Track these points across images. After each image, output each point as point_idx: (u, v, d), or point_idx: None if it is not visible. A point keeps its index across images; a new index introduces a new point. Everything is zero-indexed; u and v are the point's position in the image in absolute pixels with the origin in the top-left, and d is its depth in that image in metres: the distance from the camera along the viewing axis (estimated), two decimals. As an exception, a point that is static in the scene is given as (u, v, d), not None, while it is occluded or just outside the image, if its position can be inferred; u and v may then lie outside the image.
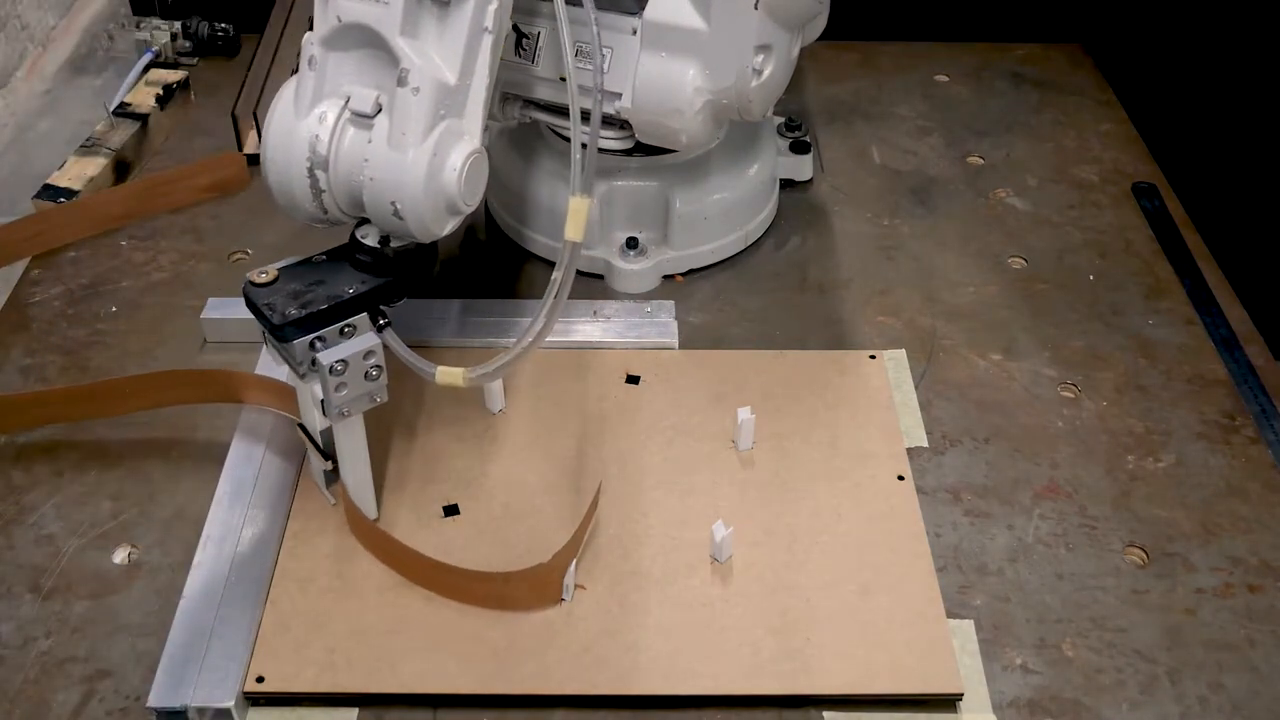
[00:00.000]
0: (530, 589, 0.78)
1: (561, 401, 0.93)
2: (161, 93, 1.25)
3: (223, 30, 1.35)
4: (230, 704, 0.72)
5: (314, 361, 0.74)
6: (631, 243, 1.04)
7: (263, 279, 0.75)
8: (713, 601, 0.79)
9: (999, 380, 0.97)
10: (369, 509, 0.83)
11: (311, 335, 0.73)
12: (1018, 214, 1.16)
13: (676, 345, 0.98)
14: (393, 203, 0.73)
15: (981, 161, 1.23)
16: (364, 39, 0.74)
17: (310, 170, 0.75)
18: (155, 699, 0.72)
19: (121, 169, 1.16)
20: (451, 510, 0.84)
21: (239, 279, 1.04)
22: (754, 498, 0.86)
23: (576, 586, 0.79)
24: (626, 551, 0.82)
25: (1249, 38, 1.17)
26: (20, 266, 1.06)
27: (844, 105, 1.31)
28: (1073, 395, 0.96)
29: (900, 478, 0.87)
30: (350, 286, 0.75)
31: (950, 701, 0.74)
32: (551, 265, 1.06)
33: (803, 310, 1.03)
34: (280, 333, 0.73)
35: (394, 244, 0.76)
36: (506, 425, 0.91)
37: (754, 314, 1.03)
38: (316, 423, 0.79)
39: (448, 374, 0.76)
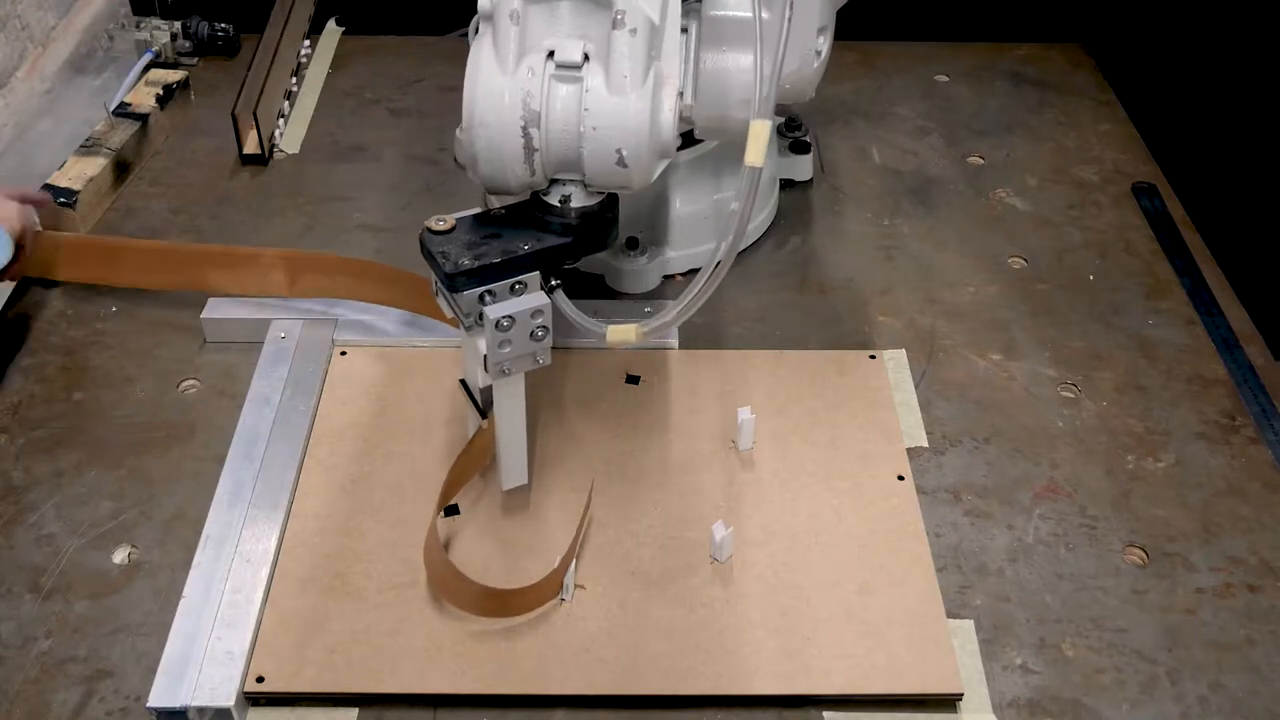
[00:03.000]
0: (534, 593, 0.78)
1: (561, 401, 0.92)
2: (161, 93, 1.25)
3: (223, 30, 1.35)
4: (230, 704, 0.72)
5: (481, 315, 0.73)
6: (631, 243, 1.04)
7: (440, 227, 0.74)
8: (713, 601, 0.79)
9: (999, 380, 0.97)
10: (520, 473, 0.82)
11: (482, 288, 0.73)
12: (1018, 214, 1.15)
13: (676, 345, 0.98)
14: (618, 150, 0.73)
15: (981, 161, 1.23)
16: None
17: (524, 129, 0.73)
18: (155, 699, 0.72)
19: (121, 169, 1.16)
20: (451, 510, 0.84)
21: (239, 279, 1.05)
22: (754, 498, 0.85)
23: (576, 586, 0.79)
24: (626, 551, 0.82)
25: (1249, 38, 1.17)
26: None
27: (844, 105, 1.31)
28: (1073, 395, 0.96)
29: (900, 478, 0.87)
30: (526, 243, 0.74)
31: (950, 701, 0.74)
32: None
33: (803, 310, 1.03)
34: (451, 282, 0.72)
35: (575, 204, 0.76)
36: (506, 425, 0.91)
37: (754, 314, 1.03)
38: (478, 379, 0.78)
39: (619, 332, 0.76)
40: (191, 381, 0.95)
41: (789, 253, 1.10)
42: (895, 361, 0.97)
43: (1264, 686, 0.76)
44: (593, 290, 1.04)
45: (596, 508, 0.84)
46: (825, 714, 0.74)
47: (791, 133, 1.19)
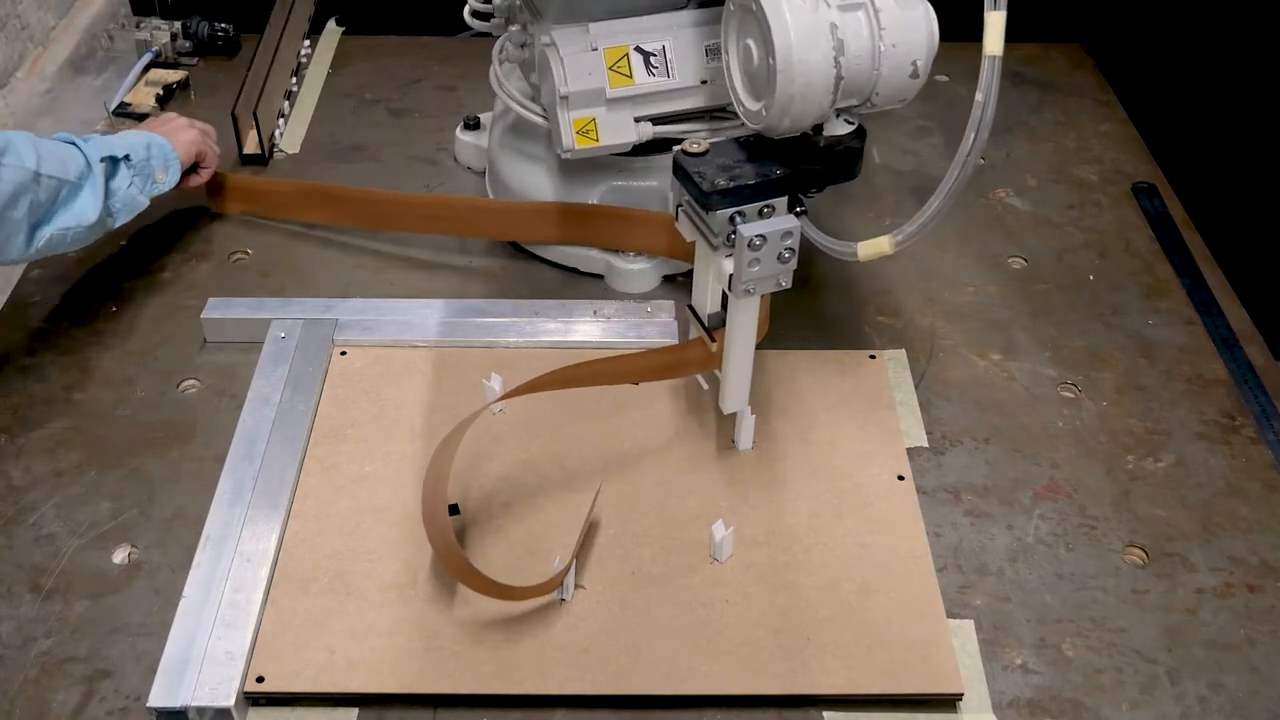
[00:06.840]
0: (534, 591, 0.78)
1: (561, 401, 0.92)
2: (161, 93, 1.25)
3: (223, 30, 1.35)
4: (230, 704, 0.72)
5: (730, 236, 0.76)
6: (632, 242, 1.04)
7: (695, 149, 0.77)
8: (713, 601, 0.79)
9: (999, 380, 0.97)
10: (742, 398, 0.85)
11: (734, 209, 0.75)
12: (1018, 214, 1.15)
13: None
14: (914, 62, 0.76)
15: (981, 161, 1.22)
16: None
17: (836, 59, 0.74)
18: (155, 699, 0.72)
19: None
20: (452, 510, 0.84)
21: (239, 279, 1.05)
22: (754, 498, 0.85)
23: (576, 586, 0.79)
24: (626, 551, 0.82)
25: (1249, 38, 1.17)
26: (20, 266, 1.06)
27: (844, 105, 1.31)
28: (1073, 395, 0.96)
29: (900, 478, 0.87)
30: (778, 168, 0.77)
31: (950, 701, 0.74)
32: (555, 266, 1.07)
33: (803, 310, 1.03)
34: (706, 200, 0.75)
35: (829, 132, 0.78)
36: (507, 425, 0.91)
37: (754, 314, 1.03)
38: (707, 304, 0.82)
39: (872, 246, 0.78)
40: (191, 381, 0.95)
41: (789, 253, 1.10)
42: (895, 361, 0.97)
43: (1264, 686, 0.76)
44: (593, 290, 1.04)
45: (596, 507, 0.84)
46: (825, 714, 0.74)
47: (792, 133, 1.19)
